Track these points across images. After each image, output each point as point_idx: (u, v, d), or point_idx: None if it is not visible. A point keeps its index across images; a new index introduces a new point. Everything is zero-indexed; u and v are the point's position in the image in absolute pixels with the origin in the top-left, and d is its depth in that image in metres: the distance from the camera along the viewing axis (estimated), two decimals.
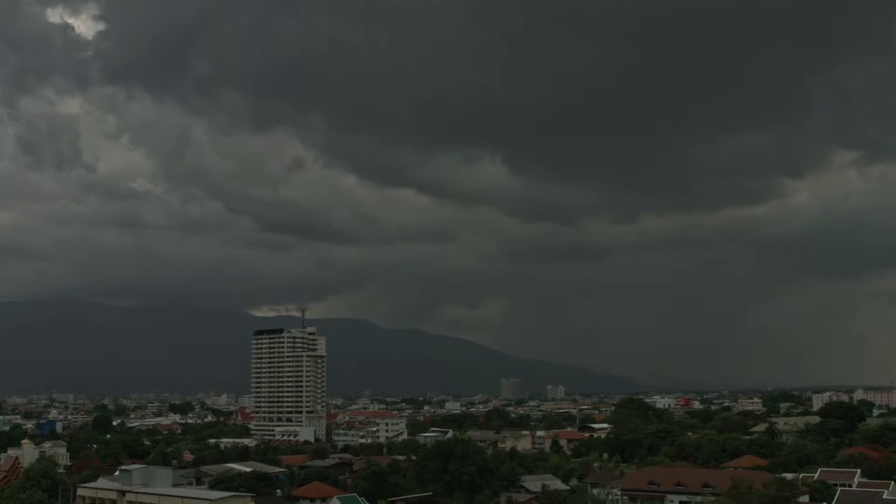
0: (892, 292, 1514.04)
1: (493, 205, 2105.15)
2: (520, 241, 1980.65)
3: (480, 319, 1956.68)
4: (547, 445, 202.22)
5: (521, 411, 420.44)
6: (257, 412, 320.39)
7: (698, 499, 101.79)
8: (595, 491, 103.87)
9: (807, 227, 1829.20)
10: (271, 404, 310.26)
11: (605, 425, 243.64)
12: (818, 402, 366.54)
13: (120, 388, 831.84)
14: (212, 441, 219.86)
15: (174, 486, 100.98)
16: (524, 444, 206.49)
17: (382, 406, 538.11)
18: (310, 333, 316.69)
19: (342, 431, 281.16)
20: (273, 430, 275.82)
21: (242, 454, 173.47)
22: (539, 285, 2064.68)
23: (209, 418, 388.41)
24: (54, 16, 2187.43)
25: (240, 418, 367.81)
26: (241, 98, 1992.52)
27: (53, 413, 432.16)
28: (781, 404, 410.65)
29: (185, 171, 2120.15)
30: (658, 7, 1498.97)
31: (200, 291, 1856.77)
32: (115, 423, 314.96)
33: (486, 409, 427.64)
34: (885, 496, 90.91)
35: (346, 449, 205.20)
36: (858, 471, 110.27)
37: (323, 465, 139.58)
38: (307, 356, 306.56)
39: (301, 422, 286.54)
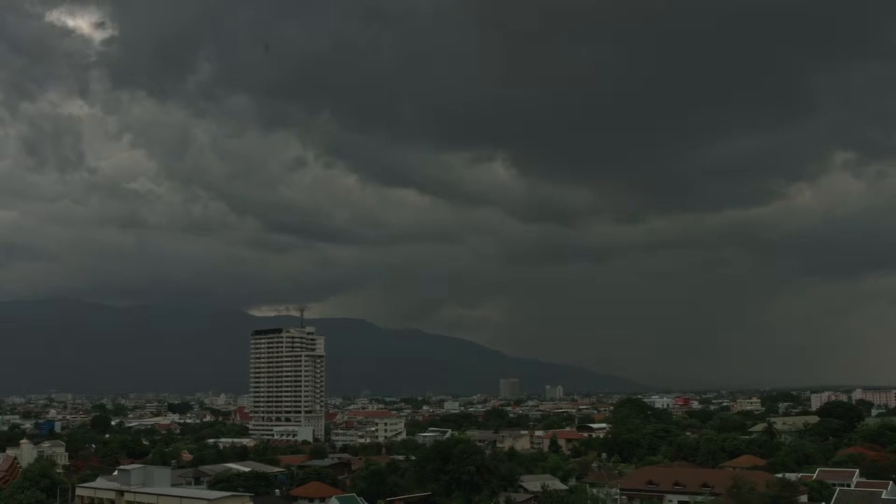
0: (891, 293, 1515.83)
1: (494, 205, 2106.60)
2: (519, 242, 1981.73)
3: (479, 319, 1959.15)
4: (545, 445, 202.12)
5: (520, 411, 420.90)
6: (256, 412, 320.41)
7: (697, 499, 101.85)
8: (594, 491, 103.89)
9: (807, 228, 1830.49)
10: (270, 404, 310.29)
11: (603, 425, 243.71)
12: (817, 401, 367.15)
13: (118, 388, 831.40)
14: (210, 441, 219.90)
15: (173, 485, 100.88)
16: (523, 443, 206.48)
17: (381, 406, 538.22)
18: (308, 333, 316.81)
19: (341, 431, 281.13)
20: (272, 430, 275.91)
21: (241, 454, 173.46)
22: (539, 285, 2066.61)
23: (208, 418, 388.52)
24: (57, 18, 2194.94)
25: (238, 418, 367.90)
26: (242, 98, 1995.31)
27: (52, 413, 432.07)
28: (780, 404, 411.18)
29: (186, 171, 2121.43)
30: (664, 11, 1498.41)
31: (200, 291, 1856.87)
32: (113, 423, 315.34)
33: (485, 409, 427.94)
34: (883, 496, 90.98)
35: (344, 449, 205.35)
36: (857, 471, 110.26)
37: (321, 465, 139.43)
38: (306, 356, 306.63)
39: (300, 422, 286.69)
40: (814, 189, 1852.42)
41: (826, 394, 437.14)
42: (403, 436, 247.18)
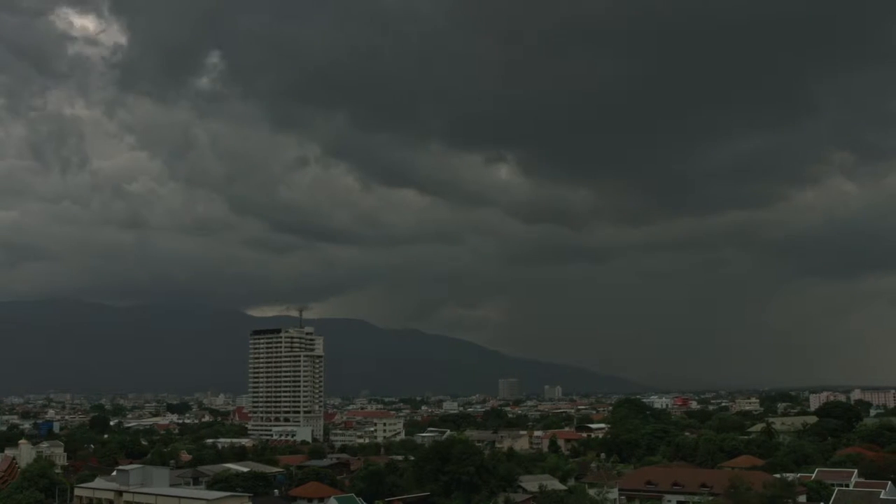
0: (891, 293, 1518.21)
1: (495, 205, 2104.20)
2: (520, 242, 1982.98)
3: (479, 320, 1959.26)
4: (545, 445, 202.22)
5: (519, 411, 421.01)
6: (255, 412, 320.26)
7: (696, 499, 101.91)
8: (593, 491, 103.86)
9: (807, 229, 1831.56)
10: (269, 404, 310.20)
11: (602, 425, 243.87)
12: (815, 402, 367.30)
13: (117, 389, 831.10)
14: (209, 441, 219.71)
15: (171, 486, 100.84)
16: (522, 444, 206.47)
17: (380, 406, 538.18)
18: (307, 333, 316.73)
19: (340, 431, 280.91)
20: (270, 430, 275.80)
21: (240, 454, 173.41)
22: (538, 285, 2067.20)
23: (206, 418, 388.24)
24: (62, 19, 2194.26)
25: (237, 418, 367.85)
26: (243, 99, 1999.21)
27: (51, 413, 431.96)
28: (779, 404, 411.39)
29: (187, 172, 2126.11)
30: (671, 16, 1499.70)
31: (199, 291, 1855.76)
32: (112, 424, 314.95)
33: (484, 410, 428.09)
34: (882, 496, 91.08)
35: (343, 449, 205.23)
36: (855, 471, 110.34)
37: (320, 465, 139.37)
38: (305, 356, 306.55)
39: (298, 422, 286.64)
40: (814, 190, 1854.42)
41: (825, 394, 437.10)
42: (402, 436, 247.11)
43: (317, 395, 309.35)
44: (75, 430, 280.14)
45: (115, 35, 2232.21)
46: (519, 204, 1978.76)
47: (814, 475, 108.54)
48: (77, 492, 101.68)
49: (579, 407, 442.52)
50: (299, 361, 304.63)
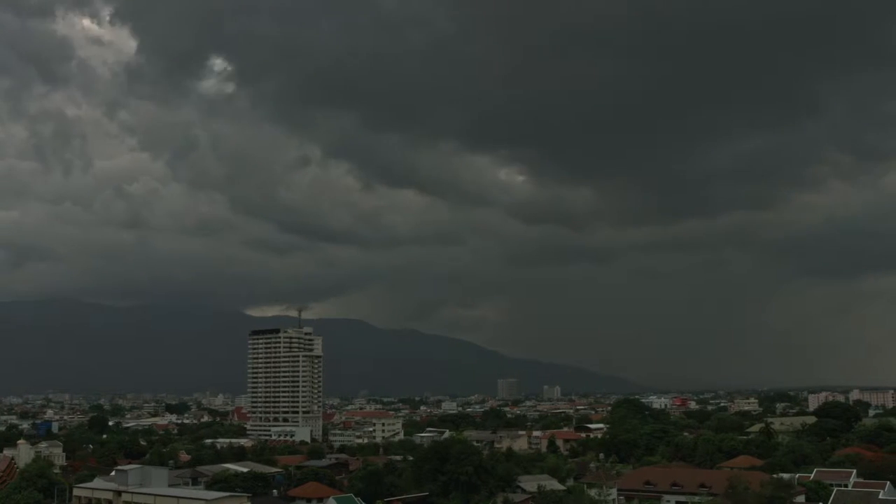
0: (891, 293, 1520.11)
1: (495, 206, 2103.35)
2: (520, 243, 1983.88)
3: (478, 320, 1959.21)
4: (543, 446, 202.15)
5: (518, 411, 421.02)
6: (254, 412, 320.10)
7: (695, 499, 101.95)
8: (592, 491, 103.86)
9: (807, 230, 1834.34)
10: (268, 404, 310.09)
11: (601, 425, 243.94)
12: (814, 402, 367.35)
13: (116, 389, 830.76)
14: (208, 441, 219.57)
15: (170, 486, 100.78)
16: (521, 444, 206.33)
17: (379, 406, 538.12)
18: (306, 334, 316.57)
19: (338, 432, 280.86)
20: (269, 431, 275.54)
21: (239, 454, 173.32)
22: (538, 286, 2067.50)
23: (205, 418, 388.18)
24: (65, 20, 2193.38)
25: (236, 418, 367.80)
26: (245, 100, 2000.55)
27: (49, 413, 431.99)
28: (777, 404, 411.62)
29: (189, 172, 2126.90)
30: (672, 16, 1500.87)
31: (199, 292, 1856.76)
32: (111, 424, 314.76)
33: (483, 410, 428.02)
34: (880, 496, 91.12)
35: (342, 449, 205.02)
36: (854, 471, 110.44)
37: (319, 466, 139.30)
38: (304, 356, 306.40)
39: (297, 422, 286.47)
40: (814, 190, 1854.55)
41: (823, 394, 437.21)
42: (401, 436, 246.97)
43: (315, 396, 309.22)
44: (74, 430, 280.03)
45: (118, 36, 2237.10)
46: (520, 204, 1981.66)
47: (812, 475, 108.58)
48: (76, 492, 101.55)
49: (578, 407, 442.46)
50: (298, 362, 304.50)
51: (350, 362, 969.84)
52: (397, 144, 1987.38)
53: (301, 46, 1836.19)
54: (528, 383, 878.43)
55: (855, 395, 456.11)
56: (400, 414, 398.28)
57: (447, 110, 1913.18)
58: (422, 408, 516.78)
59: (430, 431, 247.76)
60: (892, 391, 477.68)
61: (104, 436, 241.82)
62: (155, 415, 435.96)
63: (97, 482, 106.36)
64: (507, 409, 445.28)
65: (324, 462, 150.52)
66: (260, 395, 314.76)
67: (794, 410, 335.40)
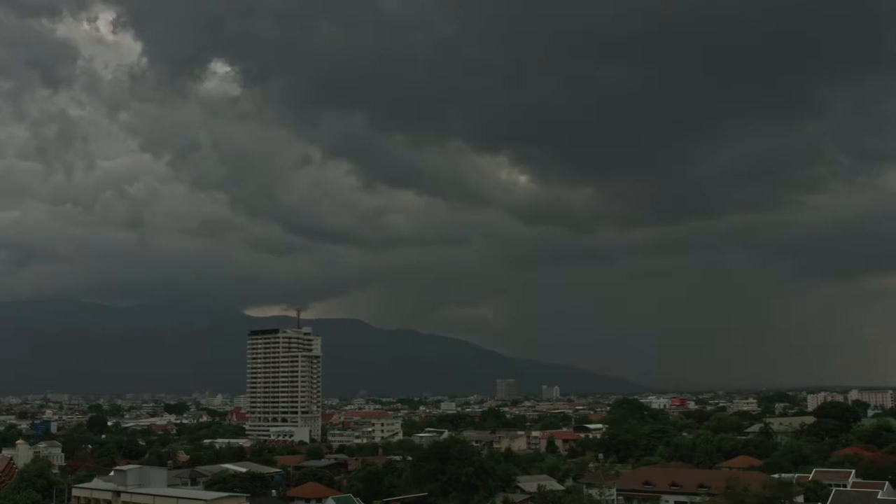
0: (892, 293, 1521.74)
1: (496, 206, 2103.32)
2: (520, 243, 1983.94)
3: (477, 320, 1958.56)
4: (542, 446, 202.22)
5: (517, 412, 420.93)
6: (252, 412, 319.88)
7: (694, 499, 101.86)
8: (591, 491, 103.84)
9: (807, 230, 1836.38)
10: (266, 404, 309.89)
11: (600, 426, 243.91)
12: (813, 402, 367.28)
13: (115, 389, 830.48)
14: (207, 441, 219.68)
15: (169, 486, 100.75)
16: (520, 444, 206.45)
17: (378, 406, 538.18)
18: (305, 334, 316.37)
19: (337, 432, 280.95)
20: (268, 431, 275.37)
21: (237, 454, 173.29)
22: (538, 286, 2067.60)
23: (204, 419, 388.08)
24: (69, 21, 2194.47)
25: (235, 419, 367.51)
26: (247, 100, 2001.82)
27: (48, 413, 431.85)
28: (776, 405, 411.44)
29: (189, 173, 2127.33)
30: (674, 19, 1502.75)
31: (199, 292, 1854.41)
32: (110, 424, 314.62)
33: (482, 410, 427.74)
34: (879, 496, 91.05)
35: (341, 449, 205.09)
36: (853, 471, 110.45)
37: (318, 466, 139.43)
38: (302, 356, 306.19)
39: (296, 422, 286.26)
40: (814, 191, 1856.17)
41: (822, 394, 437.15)
42: (400, 436, 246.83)
43: (314, 396, 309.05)
44: (73, 430, 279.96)
45: (121, 38, 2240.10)
46: (522, 205, 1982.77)
47: (811, 475, 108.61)
48: (74, 492, 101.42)
49: (577, 407, 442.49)
50: (297, 362, 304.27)
51: (349, 362, 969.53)
52: (398, 144, 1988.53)
53: (303, 48, 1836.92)
54: (527, 383, 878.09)
55: (854, 396, 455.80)
56: (399, 414, 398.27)
57: (450, 111, 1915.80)
58: (421, 408, 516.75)
59: (428, 432, 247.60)
60: (891, 391, 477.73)
61: (103, 436, 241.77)
62: (154, 415, 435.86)
63: (96, 482, 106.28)
64: (505, 409, 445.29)
65: (323, 462, 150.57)
66: (259, 395, 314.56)
67: (793, 411, 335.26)
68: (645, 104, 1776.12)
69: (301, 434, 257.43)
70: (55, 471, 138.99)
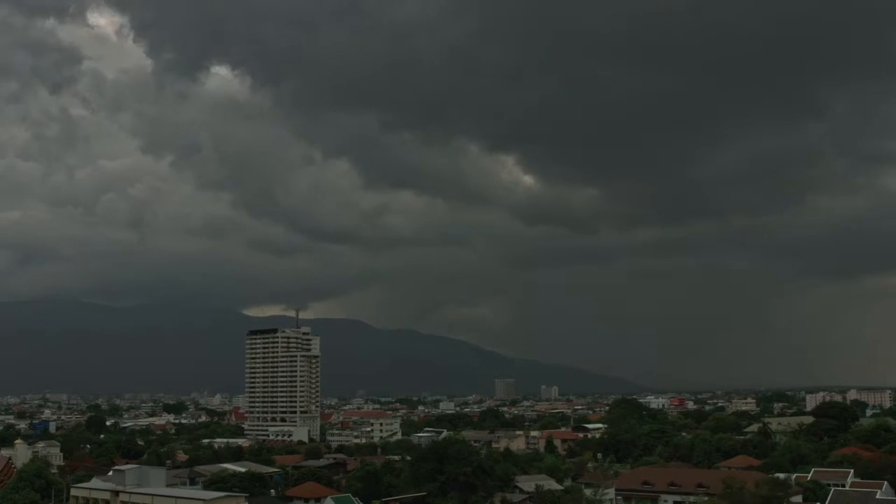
0: (892, 293, 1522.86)
1: (496, 206, 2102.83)
2: (520, 243, 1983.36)
3: (476, 320, 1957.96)
4: (541, 446, 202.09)
5: (516, 411, 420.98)
6: (251, 412, 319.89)
7: (692, 499, 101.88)
8: (589, 491, 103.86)
9: (807, 231, 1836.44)
10: (265, 404, 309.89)
11: (599, 425, 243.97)
12: (812, 402, 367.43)
13: (114, 389, 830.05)
14: (205, 441, 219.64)
15: (168, 486, 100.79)
16: (518, 444, 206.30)
17: (377, 406, 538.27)
18: (304, 334, 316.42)
19: (336, 431, 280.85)
20: (267, 431, 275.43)
21: (236, 454, 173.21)
22: (537, 286, 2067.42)
23: (203, 418, 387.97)
24: (70, 22, 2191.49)
25: (234, 418, 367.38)
26: (248, 100, 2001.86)
27: (47, 413, 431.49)
28: (775, 404, 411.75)
29: (190, 173, 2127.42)
30: (675, 21, 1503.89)
31: (198, 292, 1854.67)
32: (108, 424, 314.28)
33: (481, 410, 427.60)
34: (878, 496, 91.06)
35: (340, 449, 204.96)
36: (852, 471, 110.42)
37: (317, 466, 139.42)
38: (301, 356, 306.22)
39: (295, 422, 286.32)
40: (814, 192, 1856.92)
41: (821, 394, 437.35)
42: (399, 436, 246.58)
43: (313, 396, 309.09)
44: (71, 430, 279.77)
45: (124, 40, 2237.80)
46: (522, 205, 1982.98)
47: (810, 475, 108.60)
48: (73, 492, 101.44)
49: (576, 407, 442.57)
50: (296, 361, 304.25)
51: (348, 362, 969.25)
52: (399, 144, 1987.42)
53: (305, 50, 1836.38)
54: (526, 383, 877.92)
55: (852, 395, 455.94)
56: (398, 414, 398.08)
57: (454, 111, 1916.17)
58: (419, 408, 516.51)
59: (427, 431, 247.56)
60: (889, 391, 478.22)
61: (102, 436, 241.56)
62: (152, 414, 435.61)
63: (95, 482, 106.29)
64: (504, 409, 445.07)
65: (321, 462, 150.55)
66: (258, 395, 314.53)
67: (791, 410, 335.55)
68: (645, 104, 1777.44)
69: (300, 434, 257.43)
70: (54, 470, 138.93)
